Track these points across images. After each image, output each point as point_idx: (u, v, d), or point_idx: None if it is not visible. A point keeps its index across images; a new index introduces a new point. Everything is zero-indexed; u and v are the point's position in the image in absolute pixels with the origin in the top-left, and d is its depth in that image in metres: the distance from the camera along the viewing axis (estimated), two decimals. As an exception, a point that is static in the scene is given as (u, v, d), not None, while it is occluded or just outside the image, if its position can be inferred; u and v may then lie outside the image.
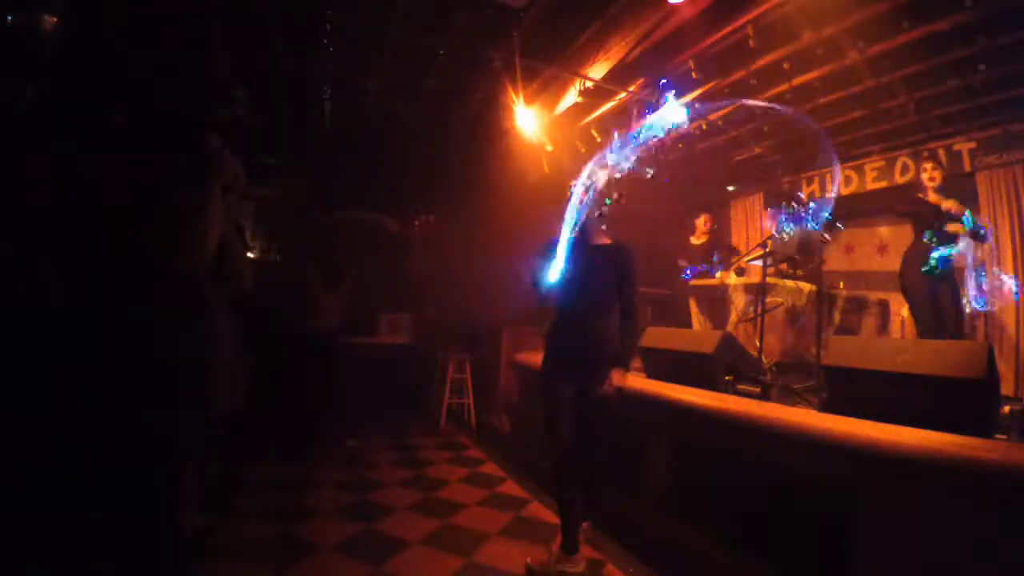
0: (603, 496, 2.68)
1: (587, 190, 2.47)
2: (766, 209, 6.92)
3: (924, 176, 3.72)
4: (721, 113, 5.00)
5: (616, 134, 3.39)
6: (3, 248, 1.70)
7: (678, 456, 2.75)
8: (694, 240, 5.54)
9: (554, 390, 2.39)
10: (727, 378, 3.03)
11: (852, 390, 2.29)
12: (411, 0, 3.74)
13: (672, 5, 3.30)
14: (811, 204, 3.90)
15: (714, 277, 4.85)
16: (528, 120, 4.78)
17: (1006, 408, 2.37)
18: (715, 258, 5.05)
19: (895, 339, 4.42)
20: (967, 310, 3.95)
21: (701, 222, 5.60)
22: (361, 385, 5.12)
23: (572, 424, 2.35)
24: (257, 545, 2.52)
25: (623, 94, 4.65)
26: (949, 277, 3.66)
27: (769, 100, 4.66)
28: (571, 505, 2.35)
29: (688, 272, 5.21)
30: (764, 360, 3.55)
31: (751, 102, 4.12)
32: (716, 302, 5.01)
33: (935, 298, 3.62)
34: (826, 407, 2.42)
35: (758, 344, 3.50)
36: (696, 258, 5.30)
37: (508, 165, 5.71)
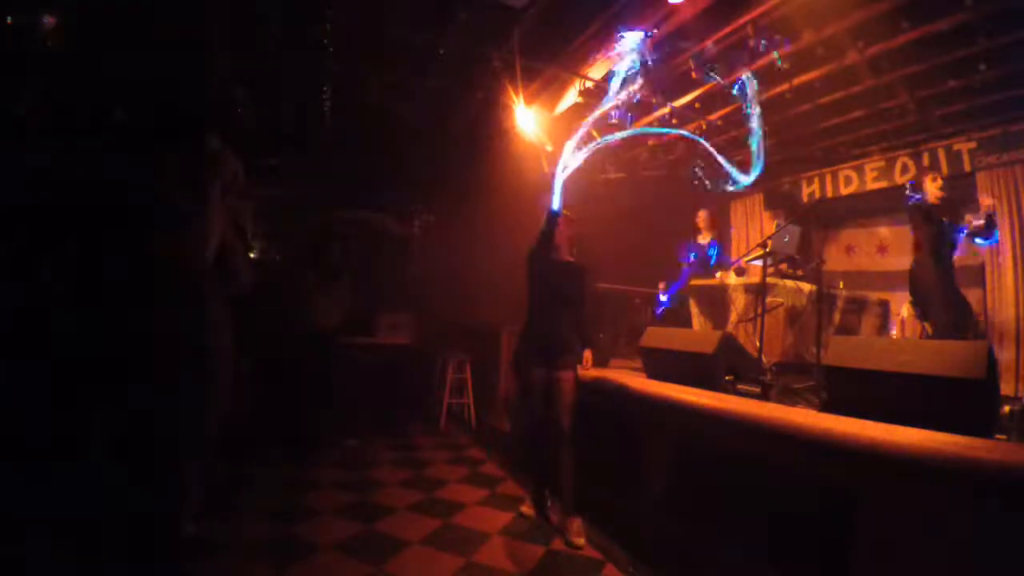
0: (568, 478, 2.87)
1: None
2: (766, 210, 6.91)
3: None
4: (721, 113, 5.01)
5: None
6: (3, 248, 1.70)
7: (678, 456, 2.75)
8: (702, 240, 5.53)
9: (528, 375, 3.03)
10: (727, 378, 3.03)
11: (852, 390, 2.29)
12: (411, 0, 3.74)
13: (672, 5, 3.30)
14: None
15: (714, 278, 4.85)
16: (528, 120, 4.78)
17: (1006, 408, 2.36)
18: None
19: (895, 339, 4.41)
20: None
21: (701, 219, 5.59)
22: (361, 385, 5.12)
23: (542, 401, 2.95)
24: (257, 545, 2.52)
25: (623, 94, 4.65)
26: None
27: (769, 100, 4.67)
28: (540, 468, 3.11)
29: (663, 301, 5.32)
30: (764, 360, 3.54)
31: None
32: (716, 302, 5.00)
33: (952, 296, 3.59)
34: (826, 407, 2.42)
35: (758, 344, 3.49)
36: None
37: (508, 165, 5.72)
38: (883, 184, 5.59)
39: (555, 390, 2.91)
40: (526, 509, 3.09)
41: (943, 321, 3.53)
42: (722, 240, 5.80)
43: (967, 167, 4.96)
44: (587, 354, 3.07)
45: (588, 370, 3.11)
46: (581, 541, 2.69)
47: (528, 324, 3.12)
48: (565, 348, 2.98)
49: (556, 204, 3.14)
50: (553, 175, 3.30)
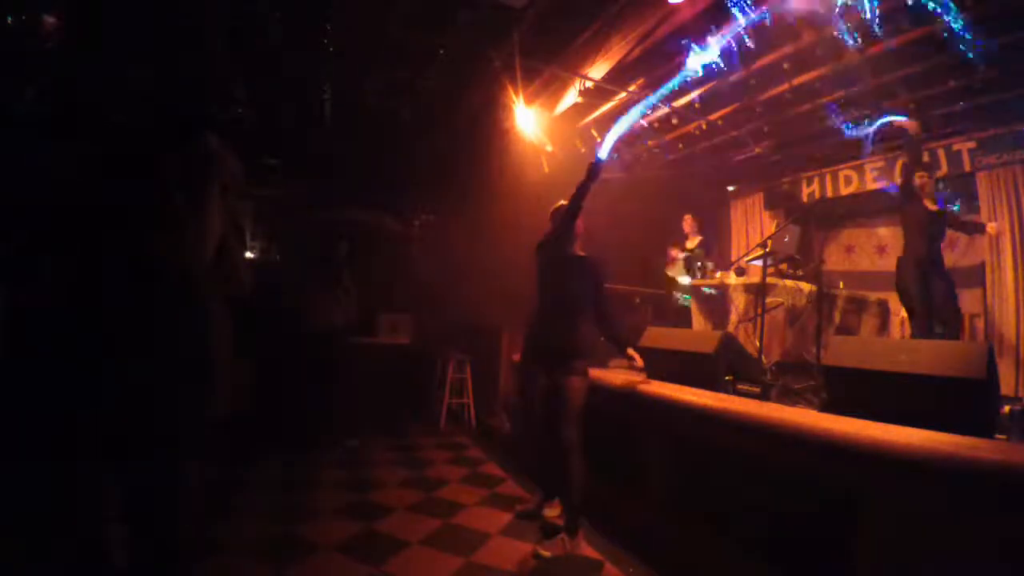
0: (577, 479, 2.68)
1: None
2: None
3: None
4: (721, 113, 5.01)
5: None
6: (3, 248, 1.70)
7: (678, 456, 2.75)
8: (689, 245, 5.53)
9: (531, 378, 2.85)
10: (727, 378, 3.03)
11: (852, 390, 2.29)
12: (411, 0, 3.74)
13: (672, 5, 3.30)
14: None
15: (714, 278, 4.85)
16: (528, 120, 4.78)
17: (1006, 408, 2.37)
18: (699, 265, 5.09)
19: (895, 339, 4.42)
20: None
21: (687, 223, 5.60)
22: (361, 385, 5.12)
23: (544, 407, 2.79)
24: (257, 545, 2.52)
25: (623, 94, 4.65)
26: (943, 273, 3.75)
27: (769, 100, 4.67)
28: (548, 475, 2.96)
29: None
30: (764, 360, 3.55)
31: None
32: (716, 302, 5.01)
33: (930, 294, 3.66)
34: (826, 407, 2.42)
35: (758, 344, 3.49)
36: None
37: (508, 165, 5.71)
38: (883, 184, 5.58)
39: (559, 398, 2.68)
40: (523, 508, 3.08)
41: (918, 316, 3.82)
42: (710, 244, 5.81)
43: (967, 167, 4.97)
44: (633, 353, 2.81)
45: (640, 369, 2.89)
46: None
47: (532, 323, 2.90)
48: (573, 352, 2.72)
49: (604, 152, 2.67)
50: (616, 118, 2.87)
